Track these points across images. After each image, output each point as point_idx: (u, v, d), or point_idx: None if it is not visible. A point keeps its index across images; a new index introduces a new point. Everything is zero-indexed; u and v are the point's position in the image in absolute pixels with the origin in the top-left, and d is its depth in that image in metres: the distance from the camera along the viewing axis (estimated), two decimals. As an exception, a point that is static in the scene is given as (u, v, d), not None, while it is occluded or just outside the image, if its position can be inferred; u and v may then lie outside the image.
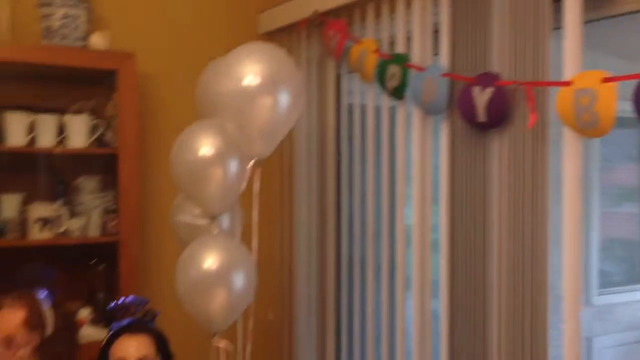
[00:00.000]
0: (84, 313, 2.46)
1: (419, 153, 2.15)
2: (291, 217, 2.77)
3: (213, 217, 1.81)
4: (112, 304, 2.04)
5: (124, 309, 2.02)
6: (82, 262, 2.56)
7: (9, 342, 1.80)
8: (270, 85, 1.73)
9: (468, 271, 1.93)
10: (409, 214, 2.22)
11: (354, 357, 2.56)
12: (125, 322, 2.00)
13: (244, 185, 1.83)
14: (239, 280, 1.79)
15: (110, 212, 2.49)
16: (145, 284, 2.52)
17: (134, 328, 1.99)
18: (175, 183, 1.82)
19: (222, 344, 1.80)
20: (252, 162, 1.81)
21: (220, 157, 1.76)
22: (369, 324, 2.46)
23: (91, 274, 2.56)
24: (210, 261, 1.76)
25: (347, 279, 2.62)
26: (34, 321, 1.86)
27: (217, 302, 1.77)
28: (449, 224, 2.01)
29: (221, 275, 1.77)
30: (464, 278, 1.95)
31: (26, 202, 2.39)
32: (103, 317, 2.18)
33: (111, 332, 2.00)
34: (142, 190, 2.54)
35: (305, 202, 2.72)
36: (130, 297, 2.05)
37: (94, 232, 2.45)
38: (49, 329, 1.91)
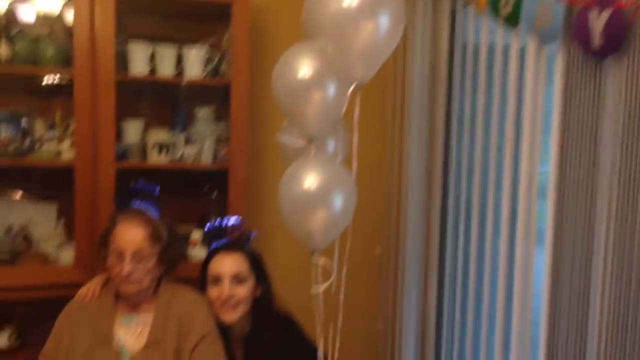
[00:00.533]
0: (196, 235, 2.62)
1: (532, 88, 2.04)
2: (400, 154, 2.75)
3: (311, 139, 1.84)
4: (211, 225, 2.16)
5: (222, 229, 2.15)
6: (195, 187, 2.72)
7: (138, 256, 1.97)
8: (370, 9, 1.71)
9: (576, 219, 1.83)
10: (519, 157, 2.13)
11: (455, 295, 2.54)
12: (222, 241, 2.12)
13: (343, 109, 1.84)
14: (338, 200, 1.80)
15: (222, 140, 2.61)
16: (253, 209, 2.62)
17: (229, 247, 2.11)
18: (277, 103, 1.87)
19: (321, 261, 1.84)
20: (352, 87, 1.81)
21: (319, 79, 1.77)
22: (471, 268, 2.41)
23: (203, 199, 2.71)
24: (310, 181, 1.79)
25: (453, 219, 2.57)
26: (155, 235, 2.02)
27: (317, 221, 1.80)
28: (558, 163, 1.90)
29: (320, 195, 1.79)
30: (571, 226, 1.84)
31: (146, 128, 2.56)
32: (203, 239, 2.31)
33: (209, 251, 2.13)
34: (254, 119, 2.63)
35: (415, 139, 2.68)
36: (227, 218, 2.16)
37: (206, 159, 2.59)
38: (166, 241, 2.06)
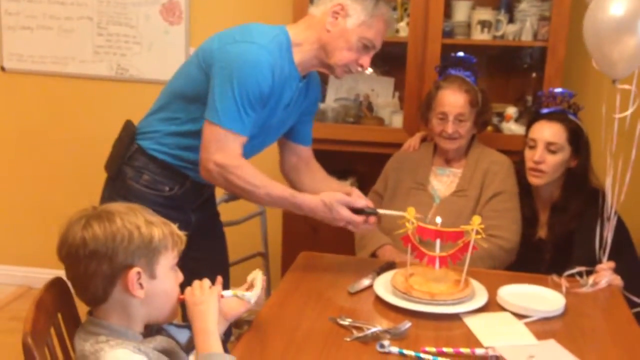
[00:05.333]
0: (511, 110, 2.81)
1: None
2: None
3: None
4: (541, 92, 2.32)
5: (551, 97, 2.27)
6: (514, 66, 2.88)
7: (459, 117, 2.29)
8: None
9: None
10: None
11: None
12: (549, 109, 2.26)
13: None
14: None
15: (544, 19, 2.69)
16: (571, 88, 2.68)
17: (553, 115, 2.24)
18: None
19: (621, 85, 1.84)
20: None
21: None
22: None
23: (522, 78, 2.86)
24: (617, 7, 1.76)
25: None
26: (474, 100, 2.30)
27: (621, 48, 1.77)
28: None
29: (626, 21, 1.76)
30: None
31: (474, 7, 2.78)
32: (530, 104, 2.45)
33: (534, 115, 2.29)
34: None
35: None
36: (559, 89, 2.28)
37: (527, 37, 2.71)
38: (480, 106, 2.33)
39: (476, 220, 1.68)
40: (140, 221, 1.25)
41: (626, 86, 1.80)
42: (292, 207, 1.84)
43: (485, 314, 1.66)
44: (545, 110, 2.25)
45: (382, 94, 3.10)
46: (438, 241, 1.74)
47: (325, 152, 3.06)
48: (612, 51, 1.78)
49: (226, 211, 2.55)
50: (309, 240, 2.64)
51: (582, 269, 1.89)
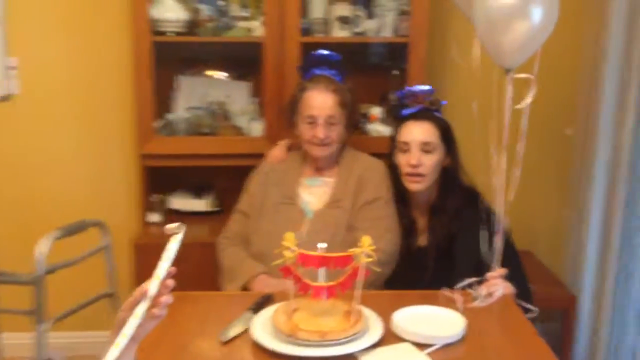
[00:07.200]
0: (376, 110, 2.67)
1: None
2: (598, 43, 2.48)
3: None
4: (402, 91, 2.16)
5: (412, 96, 2.12)
6: (375, 65, 2.73)
7: (330, 120, 2.07)
8: None
9: None
10: None
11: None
12: (413, 109, 2.11)
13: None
14: (537, 13, 1.63)
15: (404, 13, 2.56)
16: (434, 85, 2.58)
17: (420, 115, 2.09)
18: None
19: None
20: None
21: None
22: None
23: (383, 77, 2.72)
24: None
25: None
26: (343, 101, 2.09)
27: (513, 35, 1.64)
28: None
29: (520, 7, 1.63)
30: None
31: (330, 3, 2.59)
32: (392, 107, 2.30)
33: (399, 117, 2.14)
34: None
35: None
36: (418, 86, 2.14)
37: (387, 33, 2.57)
38: (350, 106, 2.13)
39: (366, 241, 1.46)
40: None
41: (524, 75, 1.67)
42: None
43: (383, 349, 1.44)
44: (409, 111, 2.10)
45: (238, 100, 2.82)
46: (322, 270, 1.50)
47: (179, 169, 2.74)
48: (504, 39, 1.64)
49: (62, 249, 2.16)
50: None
51: (473, 279, 1.75)
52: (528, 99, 1.64)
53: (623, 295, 2.45)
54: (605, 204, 2.51)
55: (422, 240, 2.13)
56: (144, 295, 1.05)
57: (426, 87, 2.12)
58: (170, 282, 1.08)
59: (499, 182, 1.74)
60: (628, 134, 2.38)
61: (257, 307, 1.64)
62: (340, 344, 1.41)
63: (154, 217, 2.70)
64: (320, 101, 2.07)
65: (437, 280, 1.85)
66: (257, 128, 2.67)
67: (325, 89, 2.08)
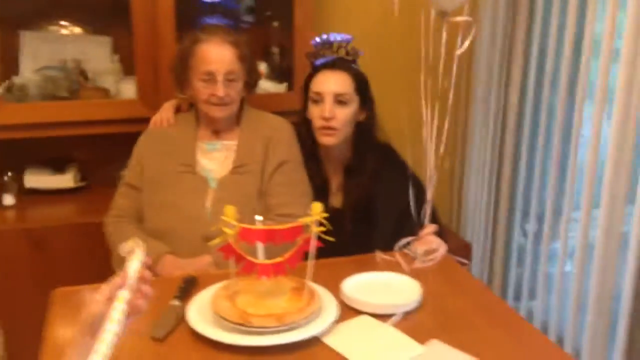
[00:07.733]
0: (261, 67, 2.45)
1: None
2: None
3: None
4: (316, 40, 1.96)
5: (327, 45, 1.95)
6: (256, 18, 2.50)
7: (229, 76, 1.82)
8: None
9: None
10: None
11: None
12: (327, 58, 1.93)
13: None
14: None
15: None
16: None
17: (335, 64, 1.92)
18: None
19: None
20: None
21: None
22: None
23: (264, 30, 2.51)
24: None
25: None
26: (242, 54, 1.85)
27: None
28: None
29: None
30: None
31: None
32: (306, 55, 2.09)
33: (313, 67, 1.95)
34: None
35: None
36: (334, 34, 1.96)
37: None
38: (249, 61, 1.91)
39: (316, 208, 1.28)
40: None
41: (460, 18, 1.56)
42: None
43: (343, 324, 1.30)
44: (322, 60, 1.93)
45: (97, 58, 2.44)
46: (259, 245, 1.30)
47: (33, 141, 2.32)
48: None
49: None
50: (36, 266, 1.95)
51: (410, 238, 1.66)
52: (466, 44, 1.55)
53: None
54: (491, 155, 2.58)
55: (336, 201, 1.99)
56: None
57: (344, 36, 1.95)
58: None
59: (428, 133, 1.64)
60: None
61: (182, 293, 1.40)
62: (300, 326, 1.24)
63: (8, 200, 2.26)
64: (218, 54, 1.82)
65: (356, 243, 1.75)
66: (127, 90, 2.33)
67: (222, 40, 1.83)
